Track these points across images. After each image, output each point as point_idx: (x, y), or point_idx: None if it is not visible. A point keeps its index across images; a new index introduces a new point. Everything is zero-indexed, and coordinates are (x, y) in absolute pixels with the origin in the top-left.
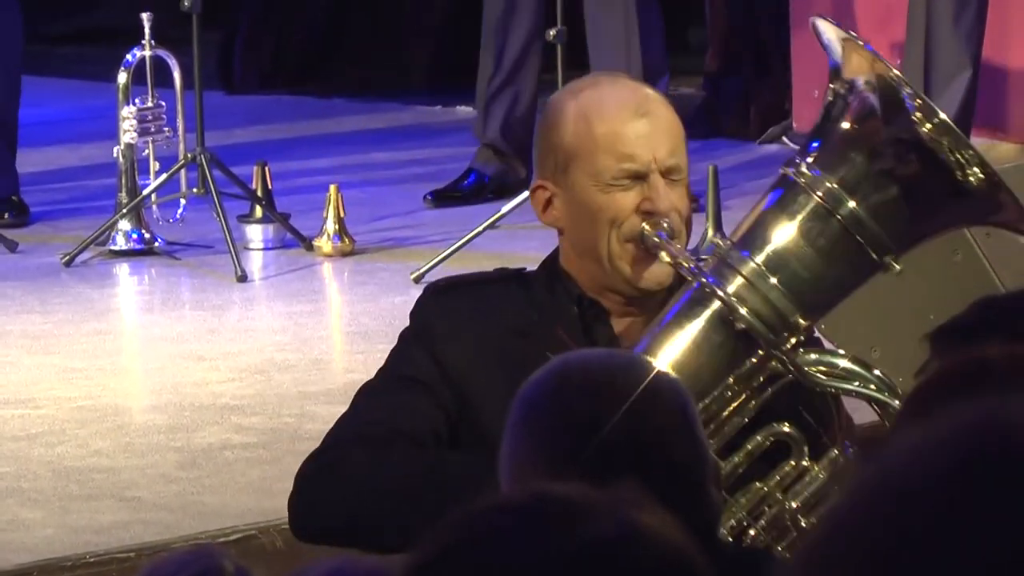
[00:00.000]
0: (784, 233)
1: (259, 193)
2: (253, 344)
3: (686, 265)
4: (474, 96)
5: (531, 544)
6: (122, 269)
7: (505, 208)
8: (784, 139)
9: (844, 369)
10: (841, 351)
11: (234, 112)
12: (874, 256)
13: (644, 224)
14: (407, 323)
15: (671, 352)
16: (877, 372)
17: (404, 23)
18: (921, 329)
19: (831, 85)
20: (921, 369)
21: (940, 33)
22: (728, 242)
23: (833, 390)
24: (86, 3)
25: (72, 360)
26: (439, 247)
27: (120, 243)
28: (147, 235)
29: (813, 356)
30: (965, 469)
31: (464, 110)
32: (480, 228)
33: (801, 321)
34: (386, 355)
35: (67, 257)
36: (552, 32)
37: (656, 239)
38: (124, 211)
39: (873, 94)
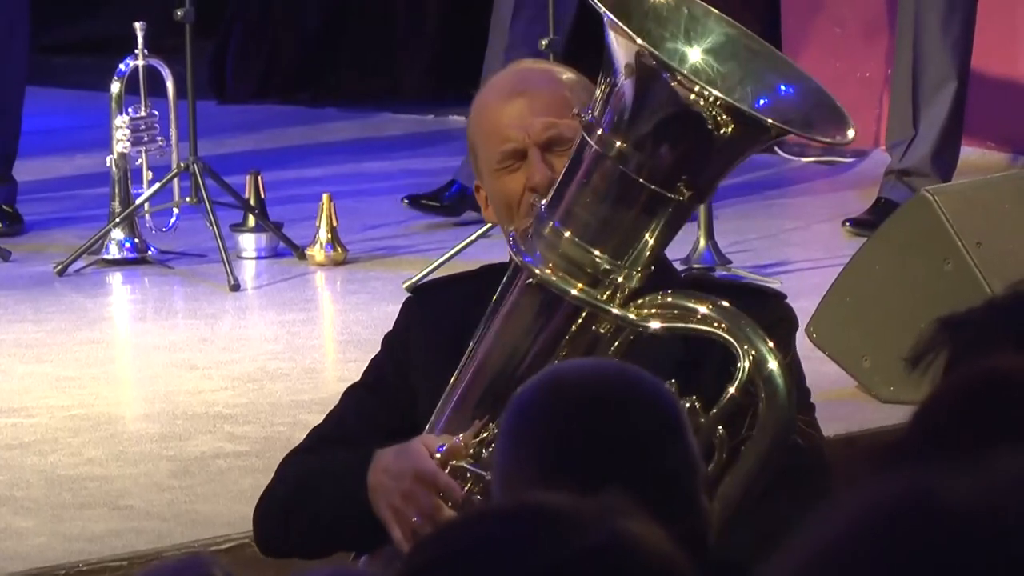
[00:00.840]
0: (581, 190)
1: (252, 202)
2: (246, 353)
3: (508, 239)
4: (466, 105)
5: (521, 555)
6: (115, 278)
7: None
8: (775, 148)
9: (674, 306)
10: (680, 292)
11: (227, 121)
12: (667, 194)
13: (533, 196)
14: None
15: (498, 328)
16: (708, 306)
17: (397, 33)
18: (911, 339)
19: (603, 70)
20: (919, 350)
21: (928, 43)
22: (540, 207)
23: (668, 331)
24: (80, 13)
25: (65, 369)
26: (431, 256)
27: (113, 252)
28: (140, 244)
29: (646, 300)
30: (888, 549)
31: (456, 119)
32: (472, 237)
33: (608, 267)
34: None
35: (60, 266)
36: (545, 41)
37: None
38: (117, 220)
39: (633, 76)
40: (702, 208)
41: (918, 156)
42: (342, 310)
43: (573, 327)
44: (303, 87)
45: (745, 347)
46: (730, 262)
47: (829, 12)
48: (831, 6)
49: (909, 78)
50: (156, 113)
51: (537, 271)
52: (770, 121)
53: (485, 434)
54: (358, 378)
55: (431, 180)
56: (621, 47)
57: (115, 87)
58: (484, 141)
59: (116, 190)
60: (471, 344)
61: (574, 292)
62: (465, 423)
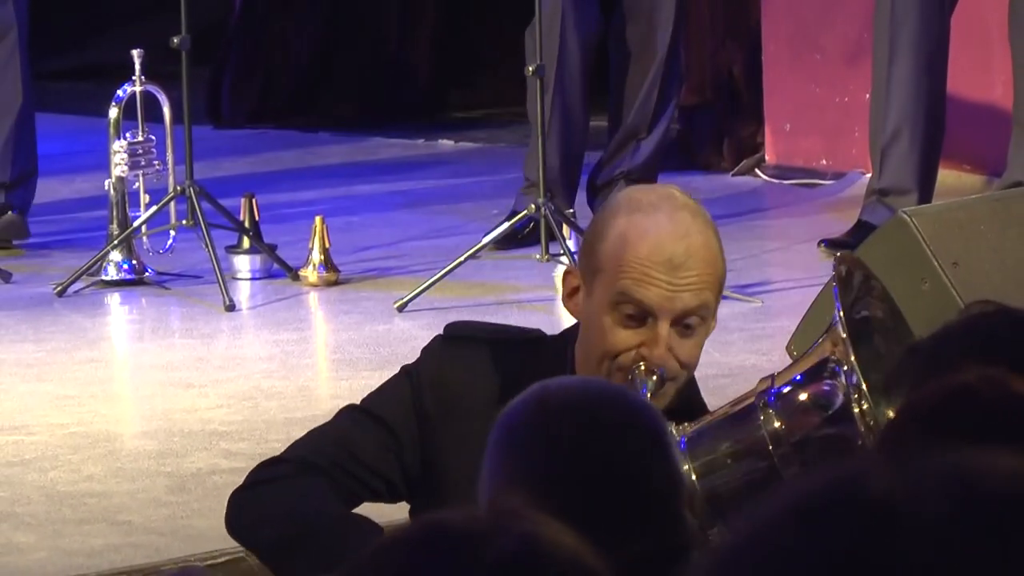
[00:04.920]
0: (726, 447)
1: (246, 224)
2: (241, 372)
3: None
4: (456, 130)
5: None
6: (113, 299)
7: (486, 239)
8: (756, 171)
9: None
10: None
11: (222, 146)
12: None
13: (639, 365)
14: (391, 351)
15: None
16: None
17: (388, 59)
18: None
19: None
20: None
21: (901, 62)
22: (684, 428)
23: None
24: (79, 41)
25: (65, 387)
26: (422, 276)
27: (111, 273)
28: (138, 266)
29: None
30: (811, 545)
31: (445, 144)
32: (462, 257)
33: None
34: (370, 383)
35: (60, 287)
36: (531, 68)
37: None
38: (115, 242)
39: (830, 393)
40: None
41: (897, 173)
42: (335, 330)
43: None
44: (297, 112)
45: None
46: None
47: (810, 39)
48: (811, 33)
49: (884, 97)
50: (153, 138)
51: None
52: None
53: None
54: (351, 396)
55: (420, 202)
56: (831, 358)
57: (113, 112)
58: (620, 278)
59: (114, 213)
60: None
61: None
62: None
